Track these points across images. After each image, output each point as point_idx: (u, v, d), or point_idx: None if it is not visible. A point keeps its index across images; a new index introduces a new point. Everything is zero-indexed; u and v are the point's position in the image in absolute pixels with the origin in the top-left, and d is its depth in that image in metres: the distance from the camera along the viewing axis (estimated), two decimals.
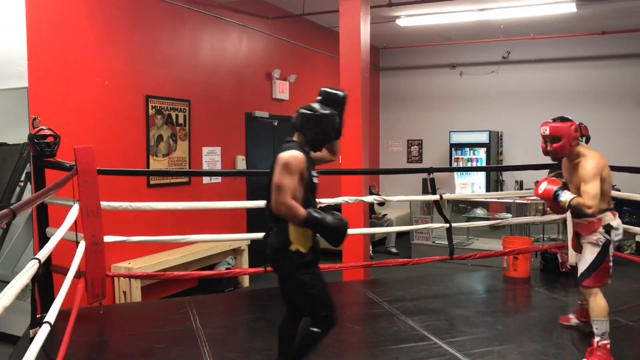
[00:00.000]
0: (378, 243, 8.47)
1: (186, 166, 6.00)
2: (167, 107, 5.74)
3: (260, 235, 5.09)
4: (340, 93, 2.95)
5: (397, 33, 8.93)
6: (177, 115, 5.87)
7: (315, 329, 2.72)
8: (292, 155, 2.64)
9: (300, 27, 8.10)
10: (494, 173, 9.63)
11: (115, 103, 5.17)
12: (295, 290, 2.76)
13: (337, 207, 4.80)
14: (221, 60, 6.61)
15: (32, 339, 3.44)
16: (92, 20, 4.95)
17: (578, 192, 3.23)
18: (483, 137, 9.46)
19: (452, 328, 4.01)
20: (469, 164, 9.56)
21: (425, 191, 8.48)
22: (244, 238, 6.27)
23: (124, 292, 5.08)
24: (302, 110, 2.84)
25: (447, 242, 5.26)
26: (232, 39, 6.80)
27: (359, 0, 5.51)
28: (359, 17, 5.51)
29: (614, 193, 4.04)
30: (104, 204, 4.00)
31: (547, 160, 5.87)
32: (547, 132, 3.31)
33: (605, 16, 7.84)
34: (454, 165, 9.66)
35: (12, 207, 1.96)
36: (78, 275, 3.71)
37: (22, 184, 4.80)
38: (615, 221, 3.30)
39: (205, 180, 6.32)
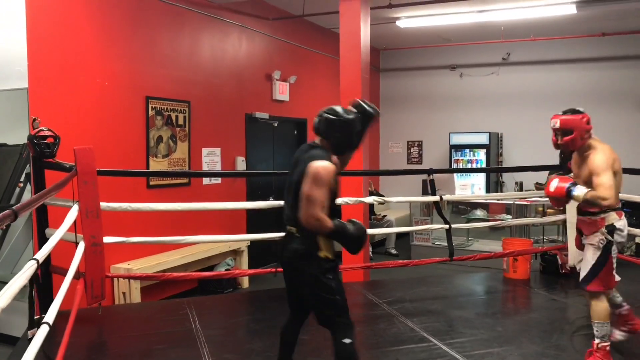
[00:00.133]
0: (378, 244, 8.47)
1: (186, 167, 6.00)
2: (167, 108, 5.74)
3: (259, 236, 5.15)
4: (372, 110, 2.86)
5: (397, 34, 8.93)
6: (177, 116, 5.87)
7: (346, 340, 2.62)
8: (323, 166, 2.57)
9: (300, 28, 8.10)
10: (494, 174, 9.63)
11: (115, 104, 5.17)
12: (319, 296, 2.66)
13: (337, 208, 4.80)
14: (221, 61, 6.61)
15: (30, 339, 3.45)
16: (92, 21, 4.95)
17: (587, 187, 3.11)
18: (483, 139, 9.47)
19: (451, 329, 4.01)
20: (469, 165, 9.57)
21: (425, 192, 8.50)
22: (243, 239, 6.27)
23: (124, 293, 5.08)
24: (326, 115, 2.75)
25: (446, 244, 5.26)
26: (232, 40, 6.81)
27: (359, 2, 5.51)
28: (359, 19, 5.52)
29: None
30: (103, 204, 4.00)
31: (547, 161, 5.91)
32: (558, 125, 3.20)
33: (605, 18, 7.84)
34: (454, 166, 9.66)
35: (13, 208, 1.95)
36: (77, 276, 3.71)
37: (21, 184, 4.80)
38: (620, 222, 3.19)
39: (205, 181, 6.32)
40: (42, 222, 4.09)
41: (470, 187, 9.12)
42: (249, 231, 6.81)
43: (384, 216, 8.37)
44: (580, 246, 3.41)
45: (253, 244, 6.51)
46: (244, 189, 6.98)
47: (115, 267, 5.05)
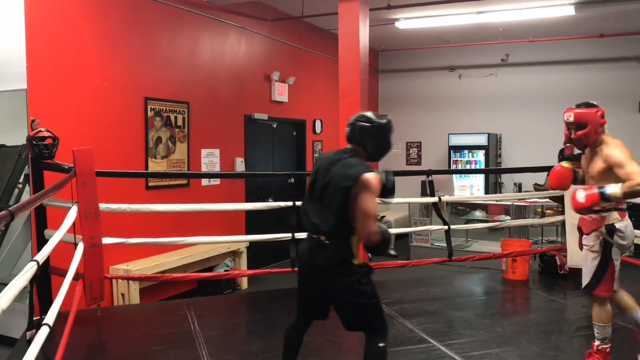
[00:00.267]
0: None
1: (185, 168, 6.00)
2: (166, 109, 5.74)
3: (258, 237, 5.14)
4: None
5: (396, 35, 8.94)
6: (176, 117, 5.87)
7: (381, 344, 2.61)
8: (374, 178, 2.54)
9: (299, 30, 8.11)
10: (493, 175, 9.64)
11: (114, 105, 5.17)
12: (356, 303, 2.62)
13: None
14: (220, 62, 6.61)
15: (29, 341, 3.45)
16: (91, 22, 4.95)
17: (597, 183, 3.03)
18: (482, 140, 9.48)
19: (450, 330, 4.01)
20: (468, 167, 9.57)
21: (424, 193, 8.51)
22: (242, 240, 6.27)
23: (122, 294, 5.08)
24: (359, 123, 2.69)
25: (445, 244, 5.27)
26: (231, 41, 6.81)
27: (358, 3, 5.52)
28: (357, 20, 5.52)
29: None
30: (102, 205, 4.00)
31: (546, 162, 5.91)
32: (572, 119, 3.09)
33: (604, 19, 7.86)
34: (453, 167, 9.67)
35: (10, 208, 1.95)
36: (76, 277, 3.70)
37: (20, 185, 4.79)
38: (621, 223, 3.08)
39: (204, 182, 6.32)
40: (41, 223, 4.09)
41: (469, 188, 9.13)
42: (248, 232, 6.81)
43: (383, 217, 8.37)
44: (582, 246, 3.30)
45: (252, 245, 6.51)
46: (243, 190, 6.98)
47: (114, 268, 5.05)
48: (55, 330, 3.10)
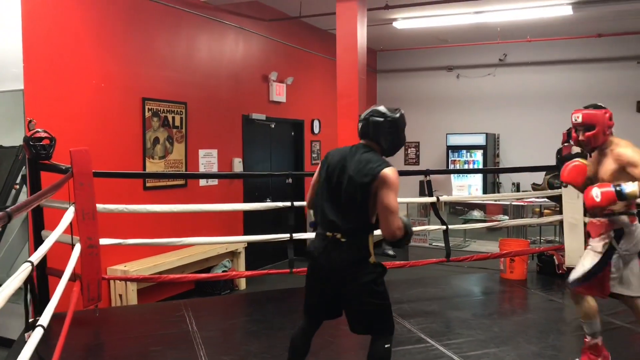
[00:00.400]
0: (375, 245, 8.44)
1: (183, 169, 5.99)
2: (163, 110, 5.73)
3: (256, 237, 5.14)
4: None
5: (394, 35, 8.94)
6: (173, 118, 5.86)
7: (387, 346, 2.58)
8: (395, 174, 2.50)
9: (297, 30, 8.10)
10: (491, 175, 9.65)
11: (112, 105, 5.16)
12: (371, 303, 2.57)
13: None
14: (218, 62, 6.60)
15: (26, 342, 3.43)
16: (88, 23, 4.94)
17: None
18: (480, 140, 9.49)
19: (448, 330, 4.01)
20: (466, 166, 9.58)
21: (422, 193, 8.49)
22: (240, 240, 6.26)
23: (120, 295, 5.07)
24: (373, 118, 2.63)
25: (444, 244, 5.27)
26: (228, 41, 6.80)
27: (356, 3, 5.51)
28: (355, 20, 5.52)
29: None
30: (99, 206, 3.99)
31: (544, 162, 5.92)
32: (580, 120, 3.04)
33: (601, 19, 7.87)
34: (451, 167, 9.68)
35: (7, 210, 1.94)
36: (73, 278, 3.70)
37: (17, 186, 4.78)
38: (631, 227, 2.99)
39: (202, 182, 6.31)
40: (38, 224, 4.08)
41: (467, 188, 9.14)
42: (246, 233, 6.81)
43: None
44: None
45: (250, 246, 6.50)
46: (241, 191, 6.97)
47: (111, 269, 5.04)
48: (53, 332, 3.10)
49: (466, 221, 7.70)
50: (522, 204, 7.44)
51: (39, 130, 3.92)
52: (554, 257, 5.51)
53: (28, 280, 2.32)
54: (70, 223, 3.49)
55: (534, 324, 4.17)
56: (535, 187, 6.00)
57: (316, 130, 8.66)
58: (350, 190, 2.55)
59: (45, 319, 2.37)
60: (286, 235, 4.76)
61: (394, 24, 7.92)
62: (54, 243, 2.87)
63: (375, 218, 2.58)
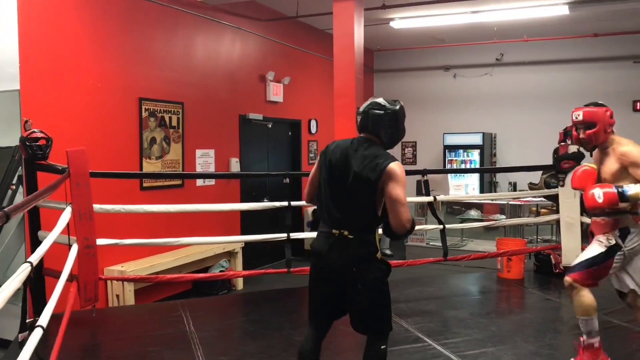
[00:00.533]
0: None
1: (180, 169, 5.98)
2: (160, 110, 5.72)
3: (253, 237, 5.12)
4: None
5: (391, 35, 8.95)
6: (170, 118, 5.85)
7: (383, 346, 2.56)
8: (401, 168, 2.47)
9: (293, 30, 8.10)
10: (488, 175, 9.66)
11: (108, 105, 5.15)
12: (377, 301, 2.54)
13: None
14: (215, 62, 6.60)
15: (21, 343, 3.43)
16: (84, 23, 4.93)
17: (613, 182, 2.95)
18: (477, 139, 9.50)
19: (446, 330, 4.01)
20: (463, 166, 9.60)
21: (419, 193, 8.48)
22: (237, 240, 6.26)
23: (117, 295, 5.06)
24: (372, 111, 2.56)
25: (441, 244, 5.27)
26: (225, 41, 6.79)
27: (353, 3, 5.52)
28: (352, 20, 5.52)
29: None
30: (96, 206, 3.98)
31: (541, 161, 5.92)
32: (581, 118, 3.02)
33: (598, 18, 7.89)
34: (448, 167, 9.69)
35: (5, 210, 1.94)
36: (70, 278, 3.69)
37: (14, 187, 4.76)
38: (636, 226, 2.96)
39: (199, 182, 6.31)
40: (35, 225, 4.06)
41: (464, 187, 9.15)
42: (243, 232, 6.80)
43: None
44: None
45: (247, 246, 6.49)
46: (238, 191, 6.97)
47: (108, 269, 5.03)
48: (50, 332, 3.09)
49: (463, 221, 7.71)
50: (519, 203, 7.46)
51: (35, 130, 3.90)
52: (551, 256, 5.52)
53: (27, 280, 2.30)
54: (67, 223, 3.48)
55: (531, 323, 4.18)
56: (532, 186, 6.01)
57: (313, 130, 8.66)
58: (356, 186, 2.51)
59: (44, 319, 2.36)
60: (283, 235, 4.75)
61: (391, 23, 7.92)
62: (51, 243, 2.86)
63: (381, 213, 2.55)
